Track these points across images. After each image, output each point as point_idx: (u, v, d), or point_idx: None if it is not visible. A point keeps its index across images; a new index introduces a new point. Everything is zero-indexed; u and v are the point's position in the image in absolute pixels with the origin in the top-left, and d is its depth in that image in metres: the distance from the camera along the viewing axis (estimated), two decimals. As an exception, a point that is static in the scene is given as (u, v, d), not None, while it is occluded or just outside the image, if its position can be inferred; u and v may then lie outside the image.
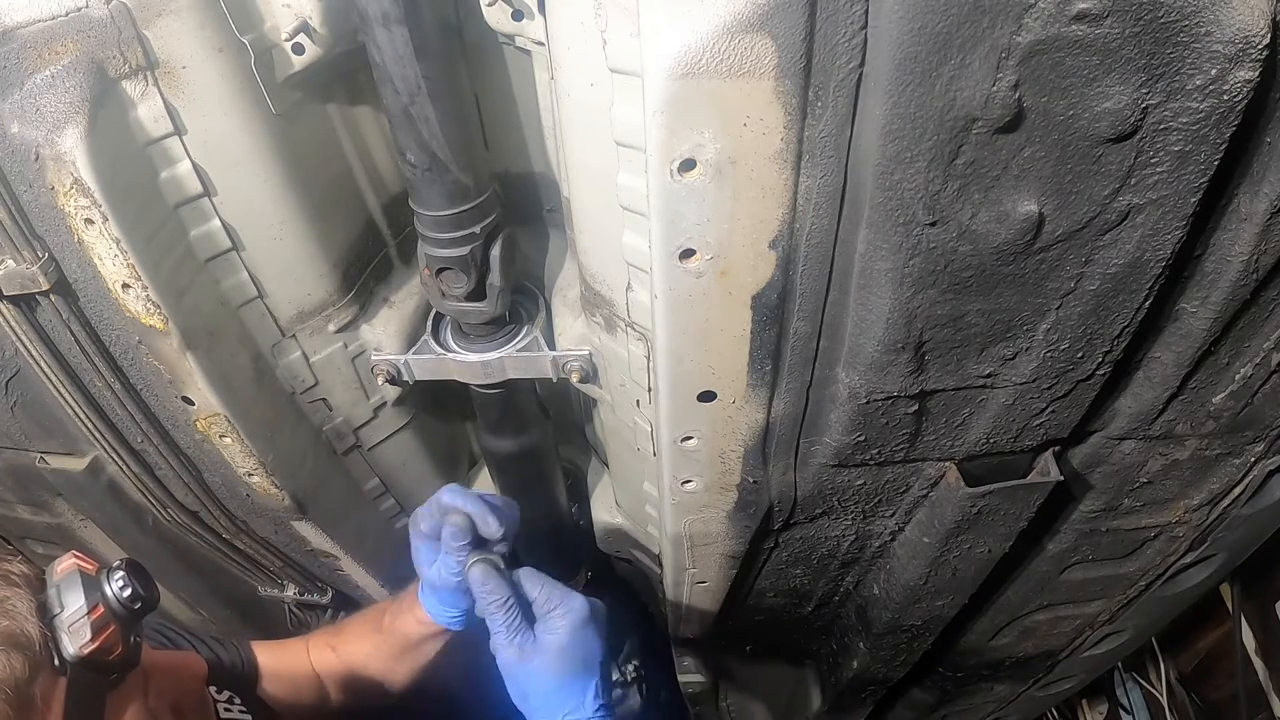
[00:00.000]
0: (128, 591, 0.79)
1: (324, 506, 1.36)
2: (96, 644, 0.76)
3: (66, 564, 0.80)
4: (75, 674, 0.75)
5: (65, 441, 1.30)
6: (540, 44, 0.93)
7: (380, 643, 1.29)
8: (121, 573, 0.80)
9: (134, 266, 0.91)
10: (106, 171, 0.85)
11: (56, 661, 0.74)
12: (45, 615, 0.76)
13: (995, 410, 0.97)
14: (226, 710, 1.09)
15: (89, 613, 0.76)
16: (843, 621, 1.62)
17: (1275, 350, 0.90)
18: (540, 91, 1.08)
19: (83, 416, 1.16)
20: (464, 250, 1.07)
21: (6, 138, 0.83)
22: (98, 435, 1.20)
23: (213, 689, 1.07)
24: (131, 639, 0.80)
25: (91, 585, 0.79)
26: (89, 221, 0.87)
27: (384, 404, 1.41)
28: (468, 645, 1.23)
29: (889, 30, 0.63)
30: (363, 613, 1.38)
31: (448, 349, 1.26)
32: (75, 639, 0.75)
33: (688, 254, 0.80)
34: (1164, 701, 2.22)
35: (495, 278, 1.12)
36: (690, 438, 1.04)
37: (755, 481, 1.11)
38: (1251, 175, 0.73)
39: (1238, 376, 0.94)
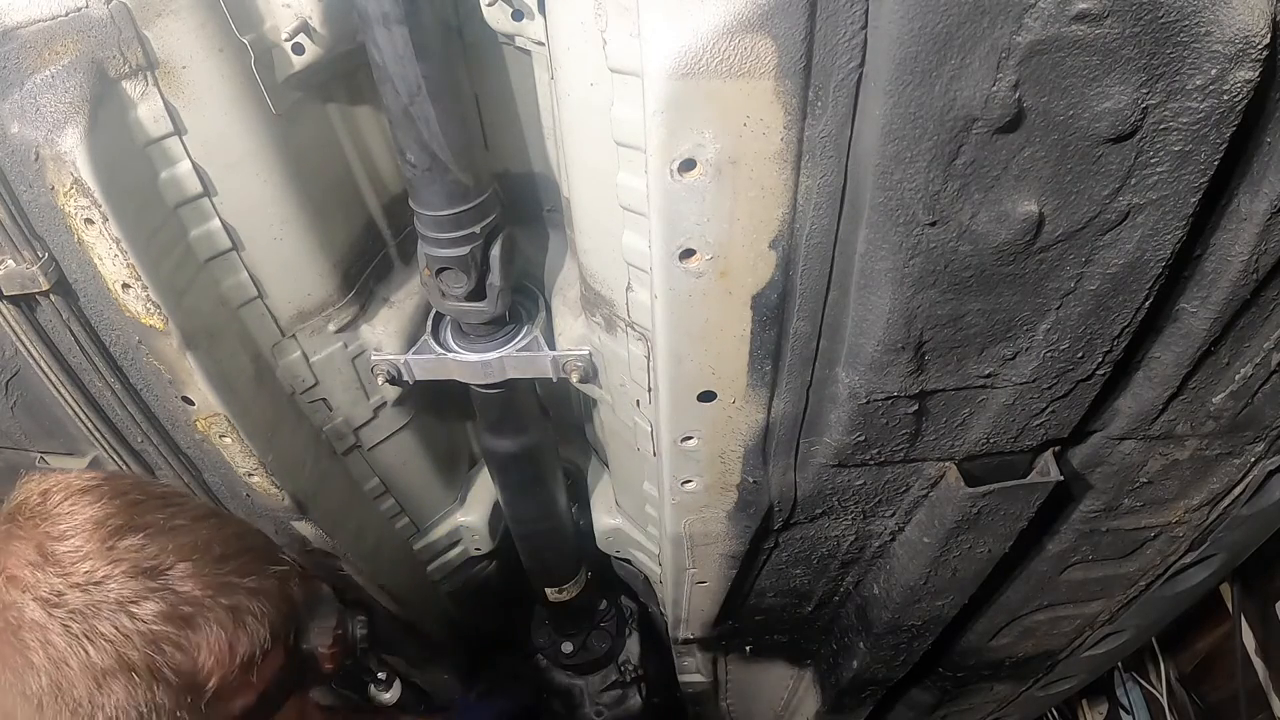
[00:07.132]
0: (363, 633, 1.17)
1: (324, 506, 1.36)
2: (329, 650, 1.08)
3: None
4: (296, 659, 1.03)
5: (65, 441, 1.29)
6: (540, 44, 0.93)
7: None
8: (363, 618, 1.17)
9: (134, 266, 0.91)
10: (106, 171, 0.85)
11: (292, 642, 1.02)
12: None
13: (995, 410, 0.97)
14: None
15: (334, 628, 1.09)
16: (843, 621, 1.62)
17: (1275, 350, 0.90)
18: (540, 91, 1.08)
19: (83, 416, 1.16)
20: (464, 250, 1.07)
21: (6, 138, 0.83)
22: (98, 435, 1.20)
23: None
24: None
25: (342, 614, 1.12)
26: (89, 221, 0.87)
27: (384, 404, 1.41)
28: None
29: (889, 30, 0.63)
30: None
31: (448, 349, 1.26)
32: (321, 639, 1.08)
33: (688, 254, 0.80)
34: (1164, 701, 2.22)
35: (495, 278, 1.12)
36: (690, 438, 1.04)
37: (755, 481, 1.11)
38: (1251, 175, 0.73)
39: (1238, 376, 0.94)
